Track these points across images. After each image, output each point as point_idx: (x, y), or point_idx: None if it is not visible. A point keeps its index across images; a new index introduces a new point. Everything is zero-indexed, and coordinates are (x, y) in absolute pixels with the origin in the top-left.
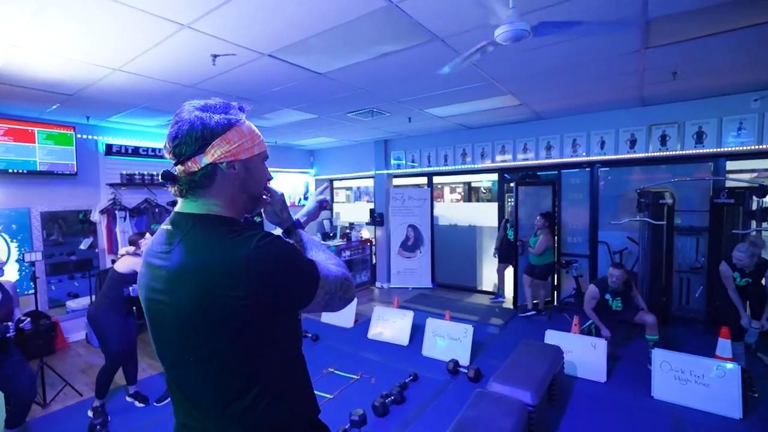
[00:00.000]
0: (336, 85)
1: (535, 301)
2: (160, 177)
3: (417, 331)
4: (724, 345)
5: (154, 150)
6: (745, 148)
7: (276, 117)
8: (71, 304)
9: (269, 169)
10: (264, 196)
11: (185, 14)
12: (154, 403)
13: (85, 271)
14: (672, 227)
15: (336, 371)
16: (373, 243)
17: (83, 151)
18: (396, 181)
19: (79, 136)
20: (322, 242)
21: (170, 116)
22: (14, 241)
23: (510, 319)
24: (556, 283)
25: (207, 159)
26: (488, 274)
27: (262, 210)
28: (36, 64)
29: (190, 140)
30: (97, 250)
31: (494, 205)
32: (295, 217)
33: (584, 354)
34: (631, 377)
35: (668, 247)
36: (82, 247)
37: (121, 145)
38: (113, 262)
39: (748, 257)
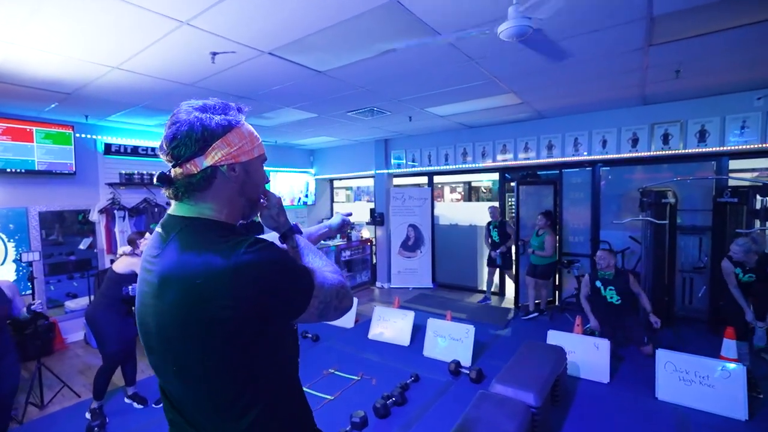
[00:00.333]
0: (336, 84)
1: (537, 301)
2: (155, 179)
3: (418, 332)
4: (729, 345)
5: (153, 149)
6: (748, 146)
7: (276, 116)
8: (70, 304)
9: (268, 168)
10: (261, 200)
11: (184, 11)
12: (153, 405)
13: (84, 271)
14: (674, 226)
15: (336, 372)
16: (374, 243)
17: (82, 151)
18: (396, 181)
19: (77, 135)
20: (323, 242)
21: (167, 115)
22: (11, 240)
23: (511, 320)
24: (557, 283)
25: (207, 161)
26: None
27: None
28: (34, 62)
29: (189, 142)
30: (96, 250)
31: (495, 204)
32: (310, 229)
33: (587, 354)
34: (634, 378)
35: (671, 246)
36: (82, 247)
37: (120, 145)
38: (112, 262)
39: (744, 252)
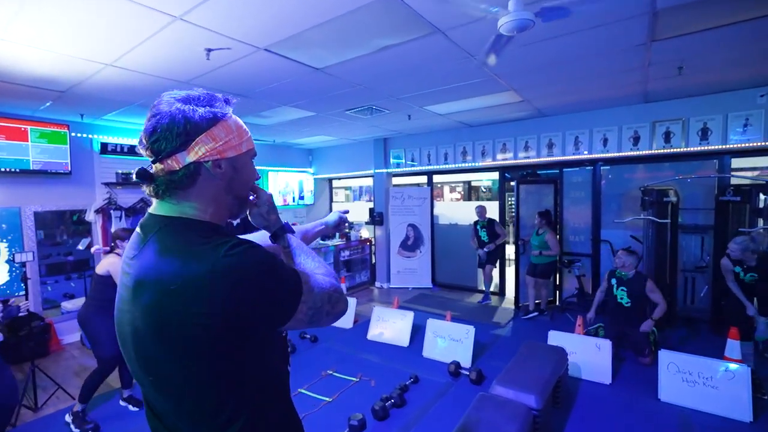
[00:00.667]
0: (334, 81)
1: (537, 301)
2: (134, 175)
3: (417, 332)
4: (732, 346)
5: None
6: (751, 144)
7: (273, 115)
8: (66, 305)
9: (266, 168)
10: (250, 197)
11: (177, 5)
12: None
13: (81, 271)
14: (676, 226)
15: (335, 373)
16: (373, 242)
17: (77, 150)
18: (396, 180)
19: (73, 134)
20: (321, 242)
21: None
22: (4, 241)
23: (511, 320)
24: (558, 283)
25: (190, 157)
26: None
27: (247, 212)
28: (25, 59)
29: (170, 136)
30: (93, 251)
31: (495, 204)
32: (306, 226)
33: (588, 355)
34: (636, 379)
35: (672, 245)
36: (80, 247)
37: (116, 144)
38: None
39: (741, 250)
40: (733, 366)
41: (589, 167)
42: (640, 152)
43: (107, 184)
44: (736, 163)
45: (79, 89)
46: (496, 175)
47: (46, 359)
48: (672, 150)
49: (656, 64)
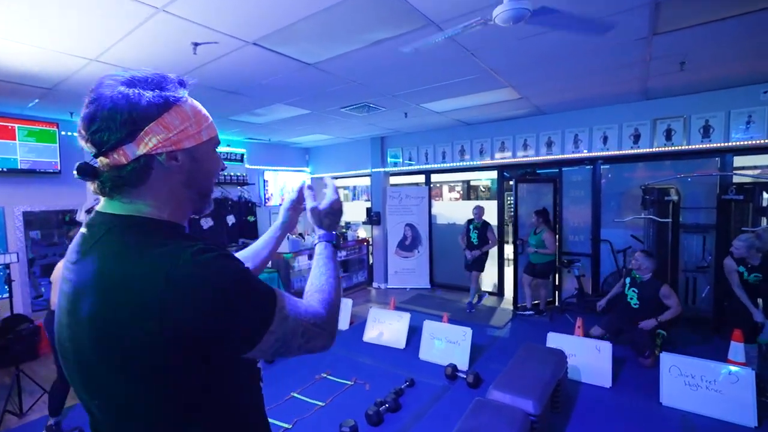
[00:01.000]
0: (327, 78)
1: (536, 302)
2: (75, 171)
3: (414, 334)
4: (736, 349)
5: None
6: (753, 142)
7: (268, 113)
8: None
9: (262, 167)
10: (211, 192)
11: None
12: None
13: None
14: (677, 225)
15: (329, 376)
16: (370, 243)
17: (68, 149)
18: (394, 180)
19: (63, 133)
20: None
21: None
22: None
23: (510, 321)
24: (557, 283)
25: (140, 149)
26: (488, 274)
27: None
28: (6, 54)
29: (113, 125)
30: None
31: (494, 203)
32: (257, 244)
33: (588, 358)
34: (637, 382)
35: (674, 245)
36: None
37: None
38: None
39: (746, 247)
40: (736, 369)
41: (588, 166)
42: (641, 150)
43: None
44: (738, 161)
45: (65, 86)
46: (494, 174)
47: (36, 362)
48: (673, 148)
49: (658, 59)
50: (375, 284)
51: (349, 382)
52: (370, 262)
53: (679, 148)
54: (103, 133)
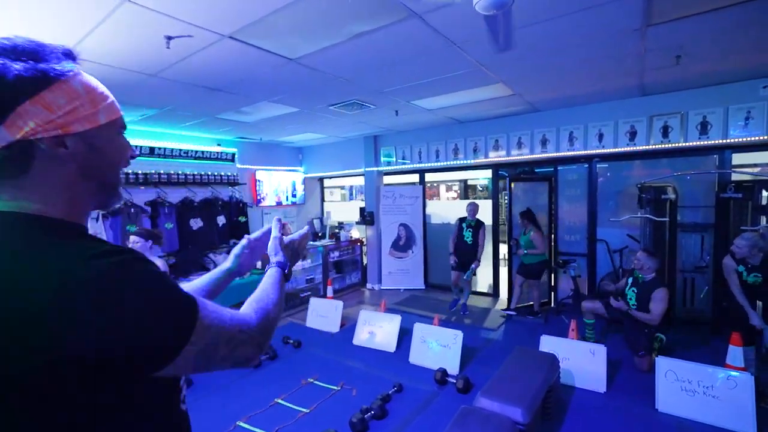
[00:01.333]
0: (311, 74)
1: (530, 303)
2: None
3: (406, 336)
4: (734, 353)
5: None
6: (753, 138)
7: (255, 111)
8: None
9: (254, 167)
10: (119, 183)
11: None
12: None
13: None
14: (675, 224)
15: (316, 381)
16: (364, 243)
17: None
18: (388, 179)
19: None
20: (311, 243)
21: (143, 110)
22: None
23: (504, 323)
24: (553, 284)
25: (12, 133)
26: (483, 274)
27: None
28: None
29: None
30: None
31: (488, 203)
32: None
33: (582, 361)
34: (632, 387)
35: (671, 245)
36: None
37: None
38: None
39: (749, 246)
40: (735, 374)
41: (584, 164)
42: (637, 147)
43: None
44: (737, 158)
45: None
46: (490, 173)
47: None
48: (670, 145)
49: (652, 52)
50: (369, 285)
51: (335, 388)
52: (364, 263)
53: (677, 145)
54: None
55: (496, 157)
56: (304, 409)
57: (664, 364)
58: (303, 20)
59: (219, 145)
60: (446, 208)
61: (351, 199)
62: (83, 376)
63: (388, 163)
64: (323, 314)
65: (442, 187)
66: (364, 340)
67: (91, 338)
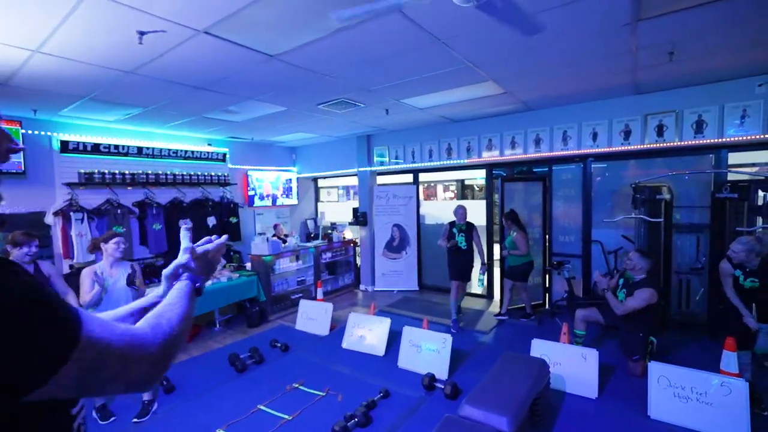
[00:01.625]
0: (294, 71)
1: (521, 305)
2: None
3: (395, 339)
4: (729, 358)
5: (116, 147)
6: (749, 137)
7: (242, 110)
8: None
9: (246, 167)
10: None
11: None
12: (134, 420)
13: None
14: (670, 225)
15: (301, 387)
16: (357, 244)
17: (33, 148)
18: (382, 179)
19: (26, 131)
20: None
21: (128, 108)
22: None
23: (496, 326)
24: (547, 286)
25: None
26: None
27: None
28: None
29: None
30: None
31: (482, 203)
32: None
33: (574, 366)
34: (625, 393)
35: (666, 246)
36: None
37: (78, 142)
38: (71, 267)
39: (746, 251)
40: (729, 380)
41: (578, 163)
42: (632, 147)
43: (69, 185)
44: (733, 158)
45: (15, 81)
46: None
47: None
48: (665, 144)
49: (645, 49)
50: (362, 287)
51: (321, 393)
52: (357, 264)
53: (672, 144)
54: None
55: (489, 156)
56: (286, 416)
57: (656, 370)
58: (277, 15)
59: (210, 144)
60: (440, 209)
61: (348, 199)
62: None
63: (381, 163)
64: (313, 317)
65: (440, 187)
66: (353, 343)
67: None
